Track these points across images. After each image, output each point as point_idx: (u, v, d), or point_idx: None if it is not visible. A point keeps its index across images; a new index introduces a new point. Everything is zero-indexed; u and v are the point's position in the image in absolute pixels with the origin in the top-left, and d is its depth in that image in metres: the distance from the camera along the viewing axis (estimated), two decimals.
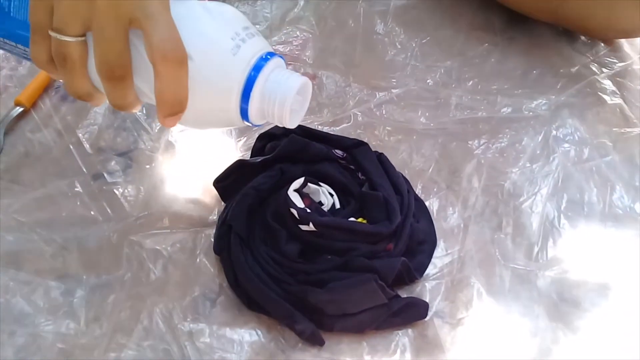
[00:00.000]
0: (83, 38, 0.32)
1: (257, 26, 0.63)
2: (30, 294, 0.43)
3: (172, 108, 0.32)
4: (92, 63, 0.33)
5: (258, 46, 0.34)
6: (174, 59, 0.31)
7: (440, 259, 0.47)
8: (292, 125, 0.36)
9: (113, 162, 0.51)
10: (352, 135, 0.53)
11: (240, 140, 0.54)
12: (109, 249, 0.46)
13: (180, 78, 0.32)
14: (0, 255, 0.45)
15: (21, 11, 0.35)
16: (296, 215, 0.44)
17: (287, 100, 0.34)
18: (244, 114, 0.34)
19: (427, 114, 0.57)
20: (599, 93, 0.59)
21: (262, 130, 0.51)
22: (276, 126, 0.50)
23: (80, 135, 0.53)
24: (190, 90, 0.32)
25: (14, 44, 0.37)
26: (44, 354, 0.41)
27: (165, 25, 0.31)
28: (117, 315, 0.43)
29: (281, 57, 0.35)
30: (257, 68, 0.33)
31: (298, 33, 0.63)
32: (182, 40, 0.31)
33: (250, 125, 0.36)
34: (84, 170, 0.50)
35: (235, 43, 0.33)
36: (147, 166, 0.51)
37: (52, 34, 0.32)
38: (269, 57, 0.34)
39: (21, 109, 0.54)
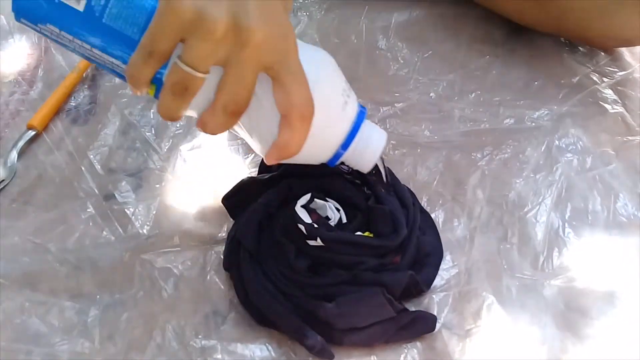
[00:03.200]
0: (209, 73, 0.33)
1: None
2: (46, 314, 0.44)
3: (288, 155, 0.35)
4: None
5: (355, 100, 0.39)
6: (307, 118, 0.34)
7: (447, 270, 0.48)
8: (367, 170, 0.41)
9: (124, 183, 0.52)
10: None
11: (248, 157, 0.55)
12: (121, 268, 0.47)
13: (306, 133, 0.35)
14: (16, 276, 0.46)
15: (119, 22, 0.34)
16: (304, 231, 0.44)
17: (377, 154, 0.40)
18: (336, 157, 0.39)
19: (430, 127, 0.57)
20: (601, 102, 0.60)
21: None
22: None
23: (91, 156, 0.54)
24: None
25: (95, 51, 0.36)
26: None
27: (304, 85, 0.33)
28: (131, 333, 0.44)
29: (364, 108, 0.40)
30: (357, 124, 0.39)
31: None
32: (311, 95, 0.34)
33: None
34: (96, 191, 0.52)
35: (344, 99, 0.37)
36: (157, 185, 0.52)
37: (185, 67, 0.32)
38: (363, 113, 0.40)
39: (34, 133, 0.55)
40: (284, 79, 0.33)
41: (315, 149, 0.38)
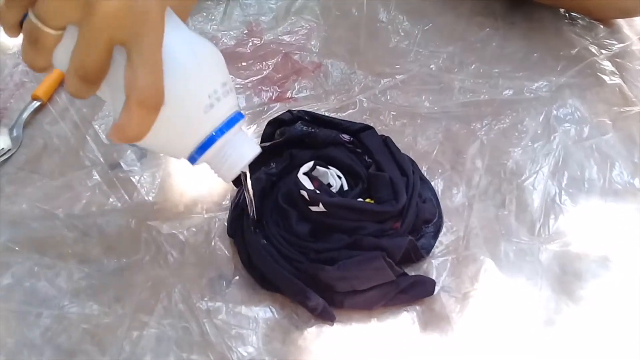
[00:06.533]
0: (62, 31, 0.31)
1: (263, 17, 0.65)
2: (55, 278, 0.46)
3: (125, 138, 0.32)
4: (61, 48, 0.32)
5: (228, 106, 0.35)
6: (149, 106, 0.31)
7: (446, 236, 0.49)
8: (228, 180, 0.38)
9: (128, 152, 0.53)
10: (358, 120, 0.54)
11: (251, 127, 0.55)
12: (127, 234, 0.48)
13: (148, 121, 0.31)
14: (25, 241, 0.47)
15: None
16: (306, 197, 0.45)
17: (236, 168, 0.37)
18: (192, 159, 0.36)
19: (430, 98, 0.58)
20: (599, 74, 0.60)
21: (272, 117, 0.53)
22: (285, 112, 0.52)
23: (96, 126, 0.55)
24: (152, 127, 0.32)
25: None
26: (69, 334, 0.43)
27: (153, 69, 0.31)
28: (138, 296, 0.45)
29: (242, 115, 0.36)
30: (221, 131, 0.34)
31: (303, 23, 0.65)
32: (163, 85, 0.31)
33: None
34: (101, 159, 0.53)
35: (210, 102, 0.33)
36: (161, 155, 0.53)
37: (33, 19, 0.30)
38: (234, 120, 0.35)
39: (38, 103, 0.56)
40: (133, 59, 0.30)
41: (168, 144, 0.35)
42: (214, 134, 0.34)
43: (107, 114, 0.56)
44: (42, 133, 0.55)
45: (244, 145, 0.36)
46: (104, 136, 0.54)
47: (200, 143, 0.34)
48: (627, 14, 0.63)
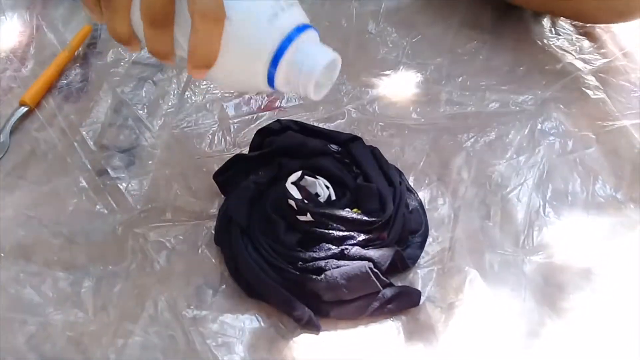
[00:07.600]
0: None
1: None
2: (40, 285, 0.45)
3: (201, 62, 0.34)
4: (136, 8, 0.33)
5: (294, 16, 0.35)
6: (212, 18, 0.32)
7: (431, 247, 0.49)
8: (316, 97, 0.37)
9: (116, 159, 0.53)
10: (346, 131, 0.55)
11: (239, 135, 0.56)
12: (114, 241, 0.48)
13: (214, 36, 0.33)
14: (10, 247, 0.47)
15: None
16: (294, 206, 0.46)
17: (314, 73, 0.35)
18: (271, 79, 0.35)
19: (418, 110, 0.59)
20: (583, 88, 0.61)
21: (261, 126, 0.53)
22: (274, 122, 0.52)
23: (84, 133, 0.55)
24: (222, 48, 0.34)
25: None
26: (54, 341, 0.43)
27: None
28: (124, 304, 0.45)
29: (316, 30, 0.36)
30: (289, 38, 0.34)
31: None
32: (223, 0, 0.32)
33: (276, 91, 0.37)
34: (89, 166, 0.52)
35: (274, 11, 0.34)
36: (150, 162, 0.53)
37: None
38: (304, 28, 0.35)
39: (26, 109, 0.56)
40: None
41: (242, 69, 0.35)
42: (283, 42, 0.34)
43: (94, 121, 0.56)
44: (29, 139, 0.55)
45: (317, 50, 0.35)
46: (92, 142, 0.54)
47: (272, 56, 0.34)
48: (622, 17, 0.61)
